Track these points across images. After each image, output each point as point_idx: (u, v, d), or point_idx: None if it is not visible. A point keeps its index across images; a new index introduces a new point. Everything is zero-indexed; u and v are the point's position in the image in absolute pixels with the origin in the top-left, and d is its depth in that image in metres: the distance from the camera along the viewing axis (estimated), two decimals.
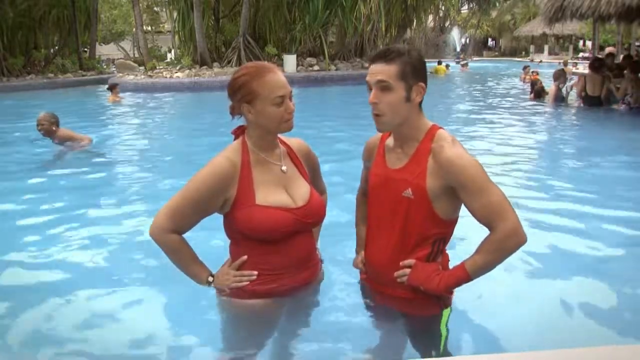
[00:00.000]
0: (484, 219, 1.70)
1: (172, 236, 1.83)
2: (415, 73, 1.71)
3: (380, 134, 1.91)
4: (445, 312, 1.87)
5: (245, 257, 1.85)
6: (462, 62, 27.30)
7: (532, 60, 31.21)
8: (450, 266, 1.85)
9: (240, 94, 1.79)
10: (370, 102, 1.73)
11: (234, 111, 1.85)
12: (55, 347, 2.25)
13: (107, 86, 12.92)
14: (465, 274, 1.74)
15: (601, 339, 2.26)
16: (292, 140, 1.99)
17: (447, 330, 1.84)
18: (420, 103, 1.77)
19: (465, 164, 1.69)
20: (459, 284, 1.78)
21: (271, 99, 1.75)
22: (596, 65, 10.10)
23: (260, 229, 1.79)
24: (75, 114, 10.41)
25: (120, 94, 12.66)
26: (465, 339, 2.16)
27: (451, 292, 1.88)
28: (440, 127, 1.80)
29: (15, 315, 2.51)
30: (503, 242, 1.68)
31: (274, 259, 1.85)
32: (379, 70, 1.71)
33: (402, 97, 1.70)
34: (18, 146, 7.15)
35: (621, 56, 14.26)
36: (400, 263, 1.81)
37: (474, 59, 33.85)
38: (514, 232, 1.67)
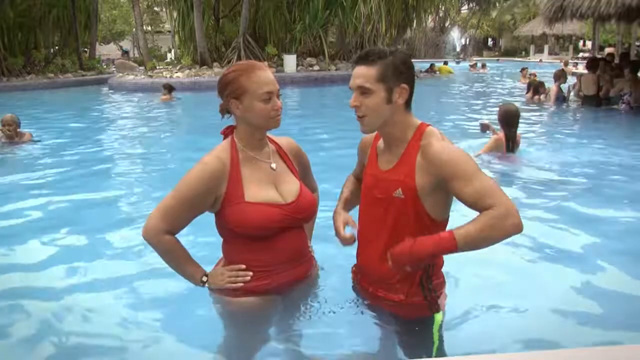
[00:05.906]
0: (480, 201, 1.58)
1: (166, 237, 1.85)
2: (396, 75, 1.70)
3: (374, 134, 1.90)
4: (437, 316, 1.85)
5: (243, 265, 1.87)
6: (482, 63, 25.84)
7: (498, 60, 31.64)
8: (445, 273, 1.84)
9: (229, 90, 1.82)
10: (350, 105, 1.73)
11: (223, 108, 1.88)
12: (50, 349, 2.23)
13: (162, 85, 12.73)
14: (451, 239, 1.55)
15: (600, 339, 2.24)
16: (282, 139, 2.01)
17: (440, 334, 1.83)
18: (407, 103, 1.76)
19: (454, 154, 1.68)
20: (438, 249, 1.59)
21: (258, 95, 1.78)
22: (590, 65, 10.36)
23: (250, 225, 1.80)
24: (75, 113, 10.40)
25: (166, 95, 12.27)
26: (463, 339, 2.14)
27: (439, 287, 1.86)
28: (429, 125, 1.79)
29: (11, 317, 2.50)
30: (501, 219, 1.54)
31: (266, 255, 1.87)
32: (360, 74, 1.71)
33: (383, 99, 1.70)
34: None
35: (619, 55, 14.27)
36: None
37: (473, 59, 33.74)
38: (513, 212, 1.55)
